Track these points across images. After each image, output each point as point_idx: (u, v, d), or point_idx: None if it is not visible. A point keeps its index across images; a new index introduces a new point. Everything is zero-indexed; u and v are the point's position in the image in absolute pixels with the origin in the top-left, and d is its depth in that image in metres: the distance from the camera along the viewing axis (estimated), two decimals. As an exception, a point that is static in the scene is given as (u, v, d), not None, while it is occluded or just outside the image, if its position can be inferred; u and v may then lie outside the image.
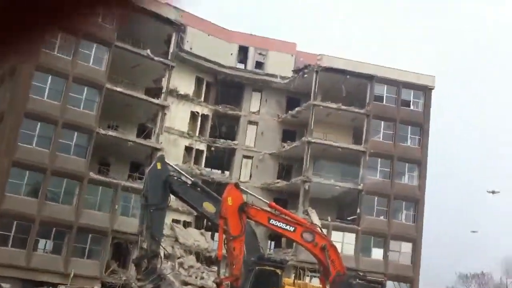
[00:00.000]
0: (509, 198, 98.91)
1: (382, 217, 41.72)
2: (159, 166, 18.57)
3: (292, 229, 16.79)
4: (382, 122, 43.40)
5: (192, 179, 20.29)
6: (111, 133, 36.07)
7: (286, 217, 17.45)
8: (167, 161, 19.79)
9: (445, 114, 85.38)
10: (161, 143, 38.23)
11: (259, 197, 22.15)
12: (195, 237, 36.92)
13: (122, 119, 38.61)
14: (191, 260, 33.27)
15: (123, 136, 36.87)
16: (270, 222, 16.85)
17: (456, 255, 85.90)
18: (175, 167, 20.63)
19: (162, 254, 17.93)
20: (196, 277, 28.64)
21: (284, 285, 18.89)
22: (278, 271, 19.04)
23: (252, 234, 19.81)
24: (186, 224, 39.71)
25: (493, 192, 64.28)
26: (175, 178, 18.78)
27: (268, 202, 19.33)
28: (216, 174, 44.00)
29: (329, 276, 16.29)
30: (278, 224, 16.85)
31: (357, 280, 15.97)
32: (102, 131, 35.16)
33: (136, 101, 37.38)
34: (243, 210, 15.92)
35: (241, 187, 17.93)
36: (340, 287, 15.65)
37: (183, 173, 21.82)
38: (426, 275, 44.27)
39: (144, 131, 39.15)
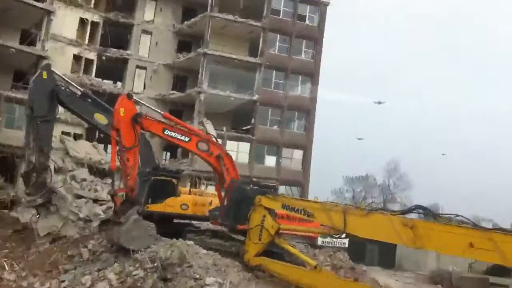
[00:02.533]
0: (392, 109, 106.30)
1: (275, 127, 43.33)
2: (45, 75, 17.32)
3: (187, 139, 16.67)
4: (278, 35, 44.14)
5: (82, 90, 19.19)
6: (-12, 39, 33.47)
7: (181, 127, 17.24)
8: (54, 70, 18.54)
9: (338, 30, 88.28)
10: (46, 50, 35.86)
11: (154, 108, 21.65)
12: (87, 150, 35.92)
13: (2, 25, 35.42)
14: (83, 172, 32.54)
15: (4, 43, 34.16)
16: (165, 132, 16.53)
17: (344, 161, 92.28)
18: (62, 76, 19.35)
19: (52, 167, 17.28)
20: (89, 190, 28.34)
21: (180, 193, 19.19)
22: (174, 180, 19.21)
23: (147, 145, 19.59)
24: (76, 136, 38.23)
25: (379, 102, 69.12)
26: (63, 88, 17.67)
27: (162, 113, 18.91)
28: (107, 84, 42.29)
29: (224, 183, 16.68)
30: (173, 134, 16.59)
31: (251, 185, 16.49)
32: (-21, 38, 32.69)
33: (17, 5, 34.24)
34: (136, 121, 15.47)
35: (135, 98, 17.30)
36: (234, 193, 16.09)
37: (72, 83, 20.59)
38: (316, 180, 47.45)
39: (28, 38, 36.35)
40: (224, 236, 16.27)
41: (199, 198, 19.23)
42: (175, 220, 18.53)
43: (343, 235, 12.95)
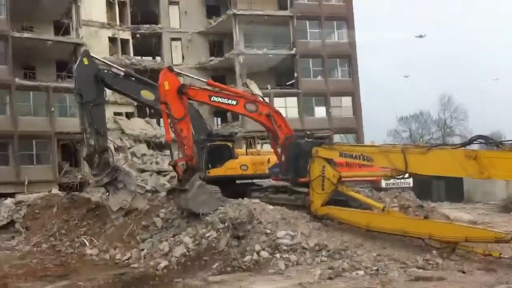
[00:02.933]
0: (436, 42, 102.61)
1: (319, 77, 42.77)
2: (85, 61, 17.62)
3: (234, 102, 16.67)
4: (304, -17, 42.96)
5: (124, 70, 19.48)
6: (26, 34, 34.53)
7: (226, 92, 17.30)
8: (93, 55, 18.84)
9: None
10: (81, 37, 36.54)
11: (196, 77, 21.80)
12: (141, 126, 36.99)
13: (35, 19, 36.41)
14: (142, 148, 33.69)
15: (40, 36, 35.32)
16: (212, 99, 16.61)
17: (395, 102, 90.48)
18: (102, 60, 19.70)
19: (111, 147, 17.77)
20: (151, 163, 29.40)
21: (237, 155, 19.43)
22: (229, 144, 19.49)
23: (197, 114, 19.77)
24: (129, 115, 39.37)
25: (420, 36, 66.79)
26: (106, 71, 18.02)
27: (205, 81, 18.98)
28: (147, 61, 42.75)
29: (278, 140, 16.70)
30: (220, 100, 16.64)
31: (305, 138, 16.46)
32: (17, 34, 33.72)
33: (45, -3, 35.03)
34: (182, 92, 15.61)
35: (176, 70, 17.39)
36: (290, 148, 16.12)
37: (113, 65, 20.94)
38: (370, 125, 46.68)
39: (61, 28, 37.14)
40: (287, 191, 16.47)
41: (257, 157, 19.47)
42: (237, 181, 18.87)
43: (406, 175, 12.75)
